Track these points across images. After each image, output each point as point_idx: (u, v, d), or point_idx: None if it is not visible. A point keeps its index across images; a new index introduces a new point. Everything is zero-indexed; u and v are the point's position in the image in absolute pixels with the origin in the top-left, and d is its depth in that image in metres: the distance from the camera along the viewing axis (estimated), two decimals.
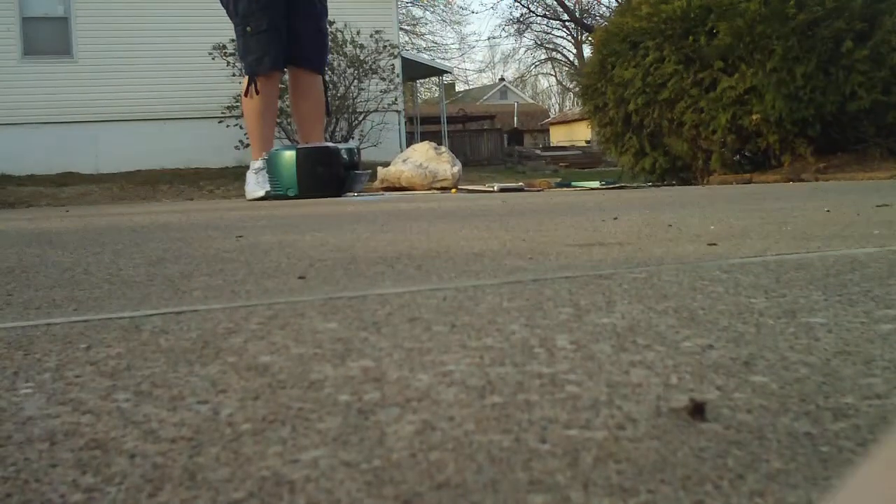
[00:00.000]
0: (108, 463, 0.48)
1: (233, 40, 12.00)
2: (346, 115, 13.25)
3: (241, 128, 12.76)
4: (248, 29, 4.69)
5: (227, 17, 4.99)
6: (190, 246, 1.80)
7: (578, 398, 0.58)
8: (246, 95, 4.73)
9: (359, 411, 0.57)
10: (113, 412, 0.58)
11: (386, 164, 5.70)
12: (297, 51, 4.83)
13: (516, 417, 0.54)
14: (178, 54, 12.96)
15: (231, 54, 12.33)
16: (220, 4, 4.90)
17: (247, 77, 4.74)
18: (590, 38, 9.12)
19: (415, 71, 18.21)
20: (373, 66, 13.04)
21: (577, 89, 7.81)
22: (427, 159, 5.97)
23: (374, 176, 5.53)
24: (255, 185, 4.91)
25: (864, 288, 0.99)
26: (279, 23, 4.71)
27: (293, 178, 4.70)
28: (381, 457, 0.48)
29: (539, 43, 38.76)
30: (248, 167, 5.28)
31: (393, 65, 13.66)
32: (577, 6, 31.57)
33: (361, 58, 12.78)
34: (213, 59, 11.93)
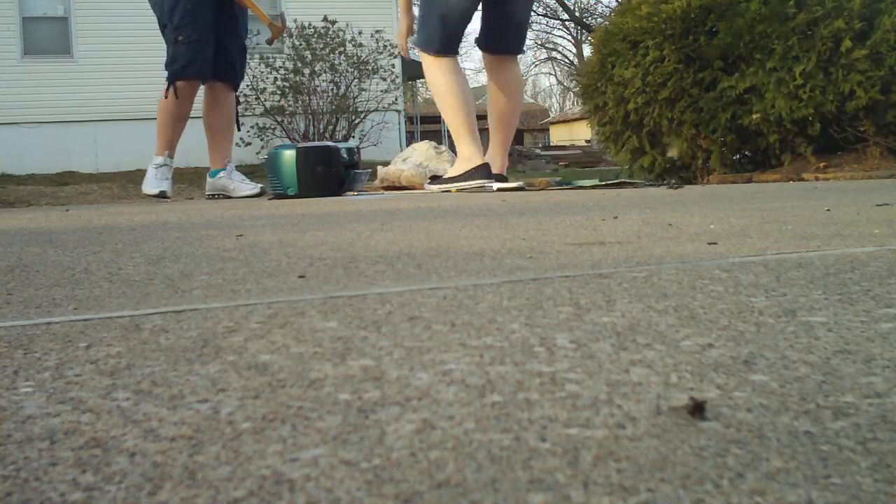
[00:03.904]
0: (107, 461, 0.48)
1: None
2: (346, 115, 13.25)
3: (241, 125, 12.79)
4: (180, 38, 4.90)
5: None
6: (190, 245, 1.80)
7: (578, 397, 0.58)
8: (165, 97, 4.97)
9: (359, 410, 0.57)
10: (113, 411, 0.58)
11: (386, 164, 5.69)
12: (223, 65, 5.06)
13: (516, 416, 0.54)
14: None
15: None
16: None
17: (168, 81, 4.96)
18: (590, 38, 9.11)
19: (415, 71, 18.20)
20: (373, 66, 13.05)
21: (577, 89, 7.80)
22: (427, 159, 5.97)
23: (374, 175, 5.53)
24: (154, 180, 5.11)
25: (864, 287, 0.99)
26: (209, 36, 4.93)
27: (293, 176, 4.71)
28: (381, 455, 0.48)
29: (539, 43, 38.76)
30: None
31: (393, 64, 13.66)
32: (576, 6, 31.56)
33: (362, 58, 12.78)
34: None
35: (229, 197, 5.17)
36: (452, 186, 4.40)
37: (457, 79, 4.41)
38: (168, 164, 5.14)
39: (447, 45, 4.41)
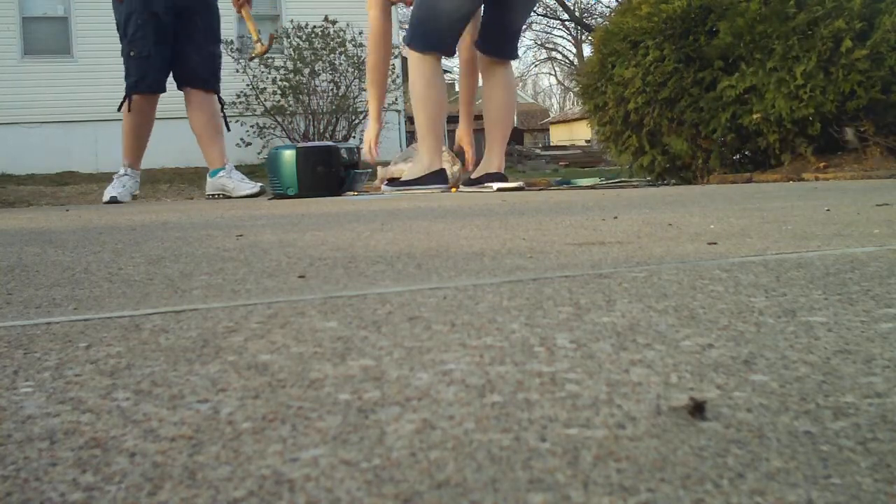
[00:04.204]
0: (107, 462, 0.48)
1: (241, 36, 12.02)
2: (346, 115, 13.24)
3: (241, 125, 12.78)
4: (132, 53, 4.91)
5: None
6: (190, 245, 1.80)
7: (578, 397, 0.58)
8: (119, 110, 5.02)
9: (359, 410, 0.57)
10: (113, 411, 0.58)
11: (386, 164, 5.69)
12: (192, 72, 5.07)
13: (516, 416, 0.54)
14: None
15: (237, 49, 12.31)
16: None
17: (124, 95, 4.99)
18: (590, 38, 9.12)
19: None
20: None
21: (577, 89, 7.80)
22: None
23: (374, 175, 5.53)
24: (110, 188, 5.20)
25: (864, 287, 0.99)
26: (163, 51, 4.92)
27: (293, 176, 4.71)
28: (381, 455, 0.48)
29: (539, 43, 38.81)
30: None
31: (393, 65, 13.67)
32: (576, 6, 31.58)
33: (362, 58, 12.79)
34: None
35: (229, 196, 5.18)
36: (409, 190, 4.58)
37: (434, 87, 4.58)
38: (129, 175, 5.20)
39: (432, 44, 4.49)
